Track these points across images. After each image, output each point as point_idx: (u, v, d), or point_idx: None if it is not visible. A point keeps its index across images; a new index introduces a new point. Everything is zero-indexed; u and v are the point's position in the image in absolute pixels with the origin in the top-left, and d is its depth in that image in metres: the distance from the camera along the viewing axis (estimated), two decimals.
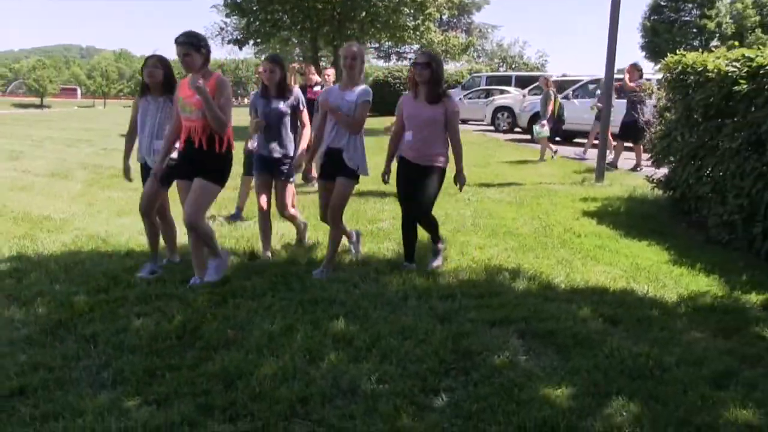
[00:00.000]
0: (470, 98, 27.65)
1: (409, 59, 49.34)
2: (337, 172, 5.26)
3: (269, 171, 5.86)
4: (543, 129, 13.72)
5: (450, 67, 42.52)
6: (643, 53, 47.11)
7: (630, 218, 7.91)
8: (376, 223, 7.20)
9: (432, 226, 5.60)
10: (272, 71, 5.68)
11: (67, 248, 6.22)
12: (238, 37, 28.27)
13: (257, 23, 25.47)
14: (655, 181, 8.80)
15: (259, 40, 27.64)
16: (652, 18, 45.79)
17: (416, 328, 4.09)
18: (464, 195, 9.17)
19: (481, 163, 13.35)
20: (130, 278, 5.17)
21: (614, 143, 13.15)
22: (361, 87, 5.26)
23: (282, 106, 5.74)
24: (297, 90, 5.96)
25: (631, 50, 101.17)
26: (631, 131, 12.43)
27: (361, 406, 3.17)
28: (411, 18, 24.95)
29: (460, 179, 5.46)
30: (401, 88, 35.71)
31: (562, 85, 21.12)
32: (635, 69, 12.61)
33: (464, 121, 27.84)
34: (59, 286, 4.99)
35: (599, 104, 13.50)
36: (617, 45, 10.82)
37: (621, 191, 9.77)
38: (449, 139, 5.37)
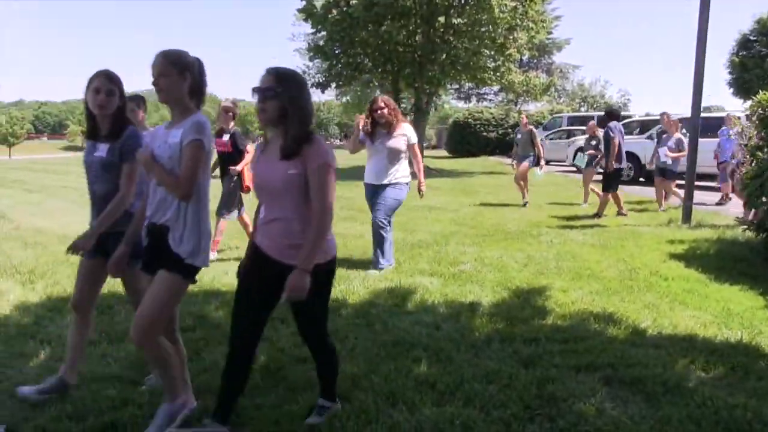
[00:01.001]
0: (551, 139, 27.50)
1: (490, 100, 49.74)
2: (160, 261, 3.25)
3: (102, 252, 3.69)
4: (542, 172, 13.30)
5: (531, 107, 42.42)
6: (731, 90, 45.63)
7: (720, 261, 7.64)
8: (457, 266, 7.20)
9: (332, 365, 3.53)
10: (110, 93, 3.64)
11: None
12: (321, 80, 29.11)
13: (339, 66, 26.13)
14: (746, 222, 8.49)
15: (341, 83, 28.34)
16: (740, 53, 44.39)
17: (500, 372, 4.06)
18: (547, 237, 9.12)
19: (563, 204, 13.21)
20: (214, 318, 5.29)
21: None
22: (192, 119, 3.22)
23: (108, 152, 3.65)
24: (133, 131, 3.73)
25: (717, 87, 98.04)
26: (607, 178, 11.64)
27: None
28: (491, 59, 25.03)
29: (291, 283, 2.96)
30: (481, 129, 35.89)
31: (646, 125, 20.83)
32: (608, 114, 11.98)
33: (547, 162, 27.60)
34: None
35: (589, 152, 13.14)
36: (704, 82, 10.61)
37: (709, 233, 9.46)
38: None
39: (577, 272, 6.96)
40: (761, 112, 8.25)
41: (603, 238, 9.10)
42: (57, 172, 25.91)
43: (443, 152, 42.82)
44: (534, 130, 13.46)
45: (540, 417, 3.51)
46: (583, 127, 26.40)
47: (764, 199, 8.04)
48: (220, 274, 6.80)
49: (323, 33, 25.45)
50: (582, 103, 54.46)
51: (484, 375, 4.03)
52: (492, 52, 24.60)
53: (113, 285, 6.43)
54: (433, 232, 9.65)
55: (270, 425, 3.41)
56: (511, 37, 23.85)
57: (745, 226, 8.50)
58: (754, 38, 44.52)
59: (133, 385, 3.96)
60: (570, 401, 3.68)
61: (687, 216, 10.54)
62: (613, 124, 11.58)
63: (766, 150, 8.26)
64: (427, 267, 7.16)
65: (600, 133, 12.94)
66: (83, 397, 3.77)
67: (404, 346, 4.58)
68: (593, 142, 13.23)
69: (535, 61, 49.47)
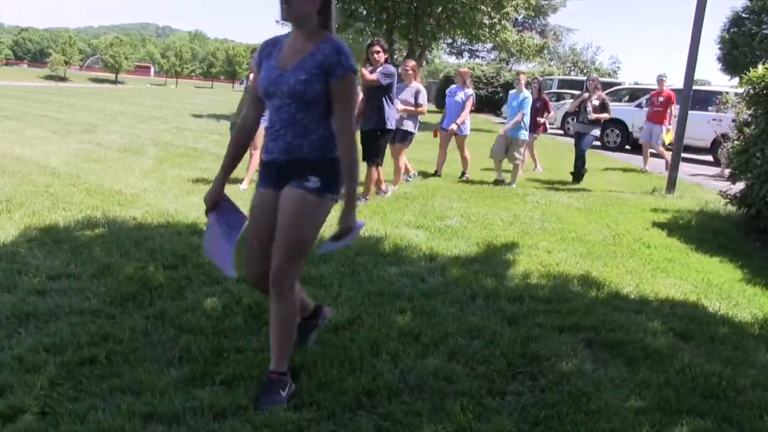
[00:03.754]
0: None
1: (482, 57, 49.27)
2: None
3: None
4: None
5: (522, 68, 42.10)
6: (720, 65, 45.61)
7: (701, 232, 7.72)
8: (443, 220, 7.19)
9: None
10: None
11: (138, 223, 6.30)
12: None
13: None
14: (729, 196, 8.56)
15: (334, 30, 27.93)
16: (731, 30, 44.23)
17: (484, 329, 4.07)
18: (533, 197, 9.14)
19: (549, 166, 13.23)
20: (197, 257, 5.16)
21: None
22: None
23: None
24: None
25: (706, 62, 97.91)
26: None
27: (427, 404, 3.15)
28: (487, 16, 24.66)
29: None
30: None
31: (635, 93, 20.91)
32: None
33: None
34: (128, 260, 5.05)
35: None
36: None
37: (692, 204, 9.56)
38: None
39: (561, 234, 6.99)
40: (752, 89, 8.24)
41: (588, 203, 9.13)
42: (37, 101, 25.37)
43: (432, 107, 42.62)
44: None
45: (522, 375, 3.53)
46: (572, 91, 26.39)
47: (749, 174, 8.10)
48: (203, 214, 6.73)
49: None
50: (573, 68, 54.19)
51: (468, 330, 4.04)
52: (489, 9, 24.21)
53: (93, 219, 6.38)
54: (419, 185, 9.62)
55: (251, 369, 3.34)
56: None
57: (728, 200, 8.57)
58: (746, 16, 44.30)
59: (112, 321, 3.89)
60: (552, 361, 3.71)
61: (671, 186, 10.60)
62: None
63: (753, 127, 8.28)
64: (413, 219, 7.15)
65: None
66: (61, 329, 3.68)
67: (388, 297, 4.56)
68: None
69: (530, 21, 48.89)
